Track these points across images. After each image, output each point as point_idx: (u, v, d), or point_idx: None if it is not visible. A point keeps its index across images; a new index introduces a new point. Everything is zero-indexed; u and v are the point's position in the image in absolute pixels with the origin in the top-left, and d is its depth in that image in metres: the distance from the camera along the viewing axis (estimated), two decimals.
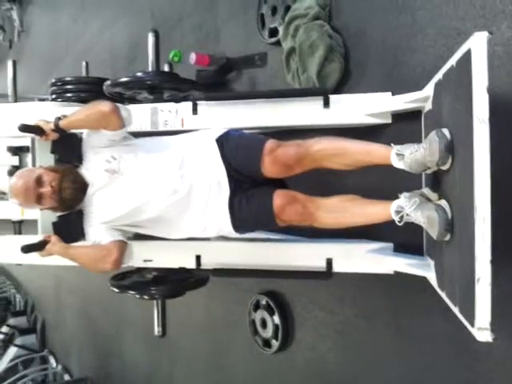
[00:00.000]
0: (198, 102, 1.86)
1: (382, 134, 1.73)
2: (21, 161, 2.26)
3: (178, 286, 2.36)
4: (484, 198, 1.02)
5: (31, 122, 1.67)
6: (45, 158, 1.89)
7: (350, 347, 2.00)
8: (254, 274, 1.96)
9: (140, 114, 1.86)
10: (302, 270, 1.75)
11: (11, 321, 7.05)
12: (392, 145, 1.41)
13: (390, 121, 1.71)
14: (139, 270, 2.35)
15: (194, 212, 1.61)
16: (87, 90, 3.11)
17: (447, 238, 1.21)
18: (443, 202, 1.26)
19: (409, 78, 1.65)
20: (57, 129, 1.62)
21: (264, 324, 2.40)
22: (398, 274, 1.58)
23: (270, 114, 1.80)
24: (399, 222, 1.36)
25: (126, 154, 1.62)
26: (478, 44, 1.04)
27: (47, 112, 1.88)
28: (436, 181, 1.37)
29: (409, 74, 1.66)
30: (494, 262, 1.01)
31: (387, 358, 1.83)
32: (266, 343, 2.41)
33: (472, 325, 1.04)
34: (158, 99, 2.34)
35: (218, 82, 2.67)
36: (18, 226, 3.13)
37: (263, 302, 2.39)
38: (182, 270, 1.93)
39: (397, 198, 1.39)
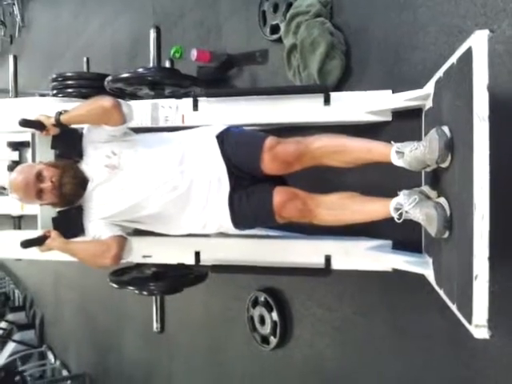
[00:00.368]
0: (199, 99, 1.86)
1: (383, 132, 1.73)
2: (21, 156, 2.26)
3: (177, 282, 2.36)
4: (483, 196, 1.02)
5: (32, 117, 1.67)
6: (45, 153, 1.89)
7: (347, 344, 2.01)
8: (253, 271, 1.96)
9: (141, 110, 1.86)
10: (300, 266, 1.75)
11: (10, 316, 7.06)
12: (392, 142, 1.41)
13: (390, 118, 1.71)
14: (138, 265, 2.36)
15: (193, 208, 1.62)
16: (88, 85, 3.11)
17: (445, 235, 1.22)
18: (442, 200, 1.26)
19: (409, 76, 1.65)
20: (58, 124, 1.63)
21: (262, 320, 2.40)
22: (396, 272, 1.59)
23: (271, 110, 1.80)
24: (398, 219, 1.36)
25: (127, 150, 1.63)
26: (478, 42, 1.04)
27: (48, 107, 1.88)
28: (435, 178, 1.37)
29: (409, 72, 1.66)
30: (492, 259, 1.01)
31: (385, 354, 1.84)
32: (265, 340, 2.41)
33: (469, 322, 1.04)
34: (159, 95, 2.34)
35: (218, 78, 2.67)
36: (18, 221, 3.14)
37: (262, 299, 2.40)
38: (181, 266, 1.93)
39: (396, 195, 1.40)
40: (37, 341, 6.54)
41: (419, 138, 1.38)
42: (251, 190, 1.60)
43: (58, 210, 1.71)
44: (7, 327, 6.81)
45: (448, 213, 1.21)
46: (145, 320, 3.52)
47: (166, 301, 3.35)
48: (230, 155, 1.60)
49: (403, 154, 1.36)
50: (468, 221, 1.05)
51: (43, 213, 1.95)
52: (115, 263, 1.60)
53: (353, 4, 1.90)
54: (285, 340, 2.31)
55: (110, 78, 2.42)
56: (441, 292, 1.31)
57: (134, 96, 2.52)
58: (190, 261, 1.87)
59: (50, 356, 6.17)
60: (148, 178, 1.60)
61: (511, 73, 1.36)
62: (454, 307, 1.18)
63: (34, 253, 1.71)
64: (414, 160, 1.32)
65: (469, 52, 1.07)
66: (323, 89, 1.77)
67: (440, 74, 1.33)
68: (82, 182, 1.62)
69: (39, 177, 1.57)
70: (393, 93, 1.66)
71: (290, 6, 2.09)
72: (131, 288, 2.37)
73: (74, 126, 1.68)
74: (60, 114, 1.62)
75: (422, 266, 1.47)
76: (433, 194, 1.38)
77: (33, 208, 2.02)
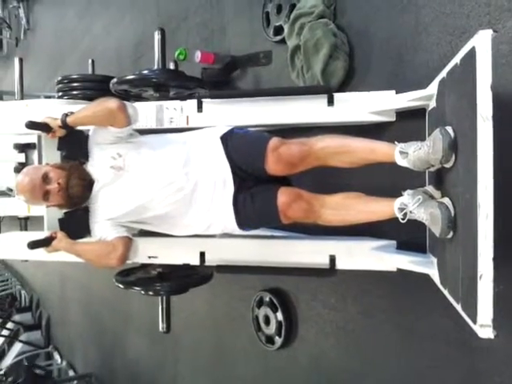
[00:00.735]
0: (203, 100, 1.87)
1: (386, 132, 1.73)
2: (27, 158, 2.28)
3: (183, 282, 2.37)
4: (487, 195, 1.02)
5: (38, 119, 1.68)
6: (51, 154, 1.90)
7: (352, 344, 2.01)
8: (258, 271, 1.97)
9: (146, 112, 1.87)
10: (305, 267, 1.76)
11: (16, 317, 7.11)
12: (396, 143, 1.41)
13: (394, 119, 1.71)
14: (144, 266, 2.37)
15: (198, 209, 1.62)
16: (93, 87, 3.13)
17: (450, 235, 1.22)
18: (446, 200, 1.26)
19: (413, 76, 1.65)
20: (64, 125, 1.64)
21: (267, 321, 2.41)
22: (400, 272, 1.59)
23: (275, 111, 1.81)
24: (402, 219, 1.36)
25: (132, 151, 1.64)
26: (482, 42, 1.04)
27: (54, 109, 1.90)
28: (439, 178, 1.37)
29: (413, 72, 1.66)
30: (496, 259, 1.02)
31: (390, 354, 1.84)
32: (269, 340, 2.42)
33: (474, 322, 1.04)
34: (164, 97, 2.35)
35: (223, 79, 2.68)
36: (24, 223, 3.16)
37: (266, 299, 2.40)
38: (187, 266, 1.94)
39: (400, 195, 1.40)
40: (43, 341, 6.59)
41: (423, 138, 1.38)
42: (256, 191, 1.61)
43: (65, 211, 1.73)
44: (14, 328, 6.85)
45: (452, 213, 1.21)
46: (150, 320, 3.53)
47: (171, 301, 3.36)
48: (234, 156, 1.61)
49: (407, 154, 1.36)
50: (472, 220, 1.05)
51: (49, 214, 1.97)
52: (121, 264, 1.61)
53: (356, 5, 1.90)
54: (290, 340, 2.32)
55: (115, 80, 2.43)
56: (445, 292, 1.31)
57: (139, 98, 2.53)
58: (195, 261, 1.88)
59: (57, 356, 6.22)
60: (153, 179, 1.61)
61: None
62: (458, 307, 1.18)
63: (40, 254, 1.72)
64: (418, 160, 1.32)
65: (472, 52, 1.07)
66: (327, 89, 1.77)
67: (443, 74, 1.33)
68: (87, 184, 1.63)
69: (46, 179, 1.58)
70: (396, 93, 1.66)
71: (293, 7, 2.09)
72: (137, 288, 2.38)
73: (79, 128, 1.69)
74: (66, 115, 1.64)
75: (426, 266, 1.47)
76: (437, 193, 1.38)
77: (39, 209, 2.03)
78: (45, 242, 1.68)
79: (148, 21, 3.63)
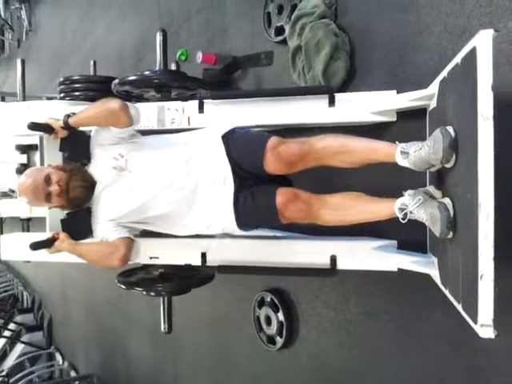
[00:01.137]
0: (205, 101, 1.87)
1: (387, 132, 1.74)
2: (29, 159, 2.28)
3: (185, 283, 2.38)
4: (488, 195, 1.02)
5: (40, 120, 1.69)
6: (53, 156, 1.91)
7: (354, 344, 2.01)
8: (259, 271, 1.97)
9: (147, 112, 1.88)
10: (306, 267, 1.76)
11: (18, 318, 7.11)
12: (397, 142, 1.41)
13: (394, 119, 1.71)
14: (146, 267, 2.37)
15: (199, 208, 1.63)
16: (95, 88, 3.14)
17: (449, 235, 1.22)
18: (447, 200, 1.26)
19: (414, 76, 1.66)
20: (66, 126, 1.65)
21: (269, 321, 2.41)
22: (401, 272, 1.59)
23: (276, 112, 1.81)
24: (403, 219, 1.36)
25: (134, 152, 1.64)
26: (483, 42, 1.04)
27: (55, 110, 1.91)
28: (440, 178, 1.38)
29: (414, 72, 1.66)
30: (497, 259, 1.02)
31: (391, 354, 1.84)
32: (271, 340, 2.42)
33: (475, 321, 1.04)
34: (166, 98, 2.36)
35: (224, 80, 2.68)
36: (27, 224, 3.17)
37: (268, 299, 2.40)
38: (188, 267, 1.95)
39: (401, 195, 1.40)
40: (45, 342, 6.59)
41: (424, 138, 1.38)
42: (256, 190, 1.61)
43: (67, 211, 1.73)
44: (16, 329, 6.85)
45: (451, 213, 1.21)
46: (152, 321, 3.54)
47: (173, 302, 3.37)
48: (235, 155, 1.61)
49: (408, 154, 1.36)
50: (473, 220, 1.05)
51: (52, 215, 1.97)
52: (123, 264, 1.61)
53: (357, 5, 1.90)
54: (291, 340, 2.32)
55: (116, 80, 2.44)
56: (446, 292, 1.31)
57: (141, 98, 2.54)
58: (197, 262, 1.89)
59: (59, 357, 6.22)
60: (155, 179, 1.61)
61: None
62: (459, 307, 1.18)
63: (42, 255, 1.73)
64: (419, 160, 1.32)
65: (473, 52, 1.06)
66: (328, 90, 1.77)
67: (444, 73, 1.33)
68: (89, 185, 1.64)
69: (48, 180, 1.59)
70: (397, 93, 1.66)
71: (294, 7, 2.10)
72: (139, 289, 2.38)
73: (81, 129, 1.70)
74: (68, 116, 1.64)
75: (427, 266, 1.47)
76: (438, 194, 1.38)
77: (41, 210, 2.05)
78: (47, 243, 1.68)
79: (149, 22, 3.63)
